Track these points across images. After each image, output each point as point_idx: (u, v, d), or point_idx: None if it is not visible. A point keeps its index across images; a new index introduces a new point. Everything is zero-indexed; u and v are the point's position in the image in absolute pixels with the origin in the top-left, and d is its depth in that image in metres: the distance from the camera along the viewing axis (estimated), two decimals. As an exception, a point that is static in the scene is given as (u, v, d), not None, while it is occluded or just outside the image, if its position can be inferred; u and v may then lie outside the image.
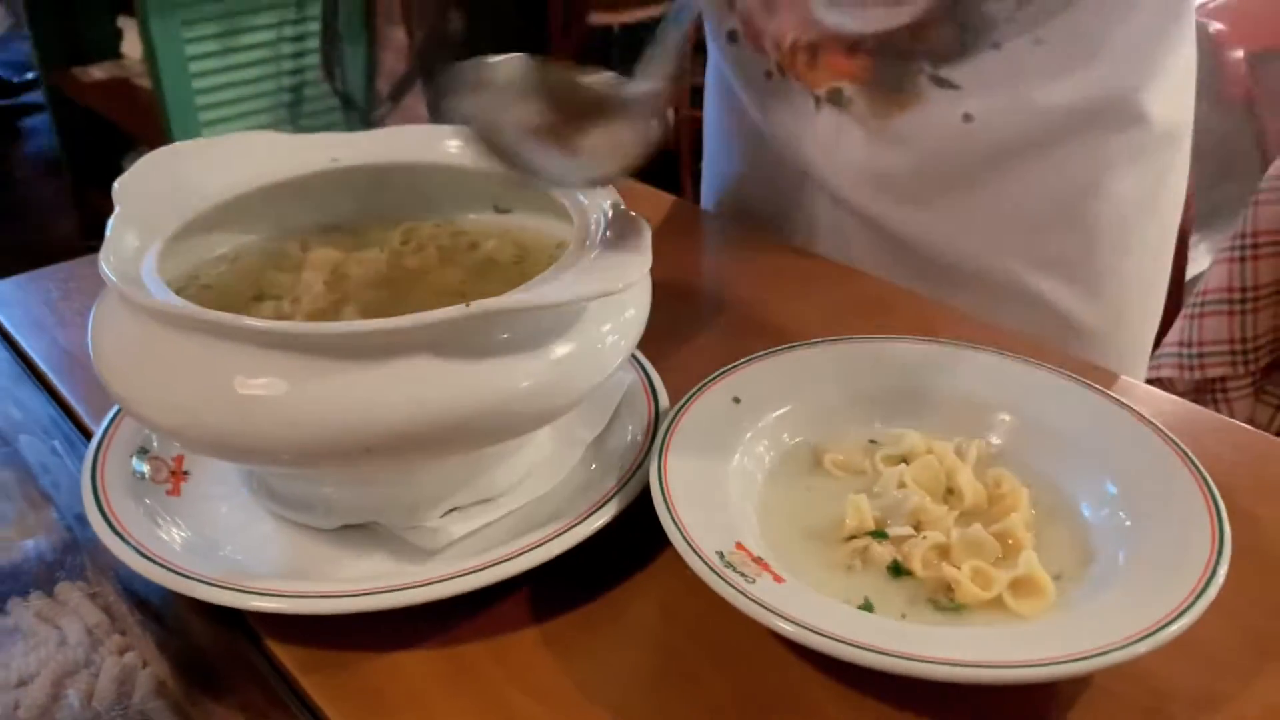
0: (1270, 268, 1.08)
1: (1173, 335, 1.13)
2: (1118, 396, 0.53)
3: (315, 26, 2.22)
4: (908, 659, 0.39)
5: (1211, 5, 1.23)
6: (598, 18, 2.13)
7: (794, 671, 0.44)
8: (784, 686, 0.44)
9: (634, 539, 0.49)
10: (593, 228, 0.48)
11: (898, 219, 0.77)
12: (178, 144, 0.56)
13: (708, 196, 0.92)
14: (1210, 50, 1.12)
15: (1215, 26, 1.13)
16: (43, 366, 0.65)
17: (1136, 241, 0.77)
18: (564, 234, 0.50)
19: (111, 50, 2.62)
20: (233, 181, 0.55)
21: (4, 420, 0.61)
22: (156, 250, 0.49)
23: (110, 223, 0.49)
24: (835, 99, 0.75)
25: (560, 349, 0.45)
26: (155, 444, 0.54)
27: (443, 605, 0.46)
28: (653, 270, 0.46)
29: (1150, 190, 0.75)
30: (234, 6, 2.12)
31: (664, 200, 0.85)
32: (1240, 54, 1.10)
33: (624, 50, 2.14)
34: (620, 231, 0.48)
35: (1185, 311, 1.13)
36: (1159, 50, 0.71)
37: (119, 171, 0.52)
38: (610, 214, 0.49)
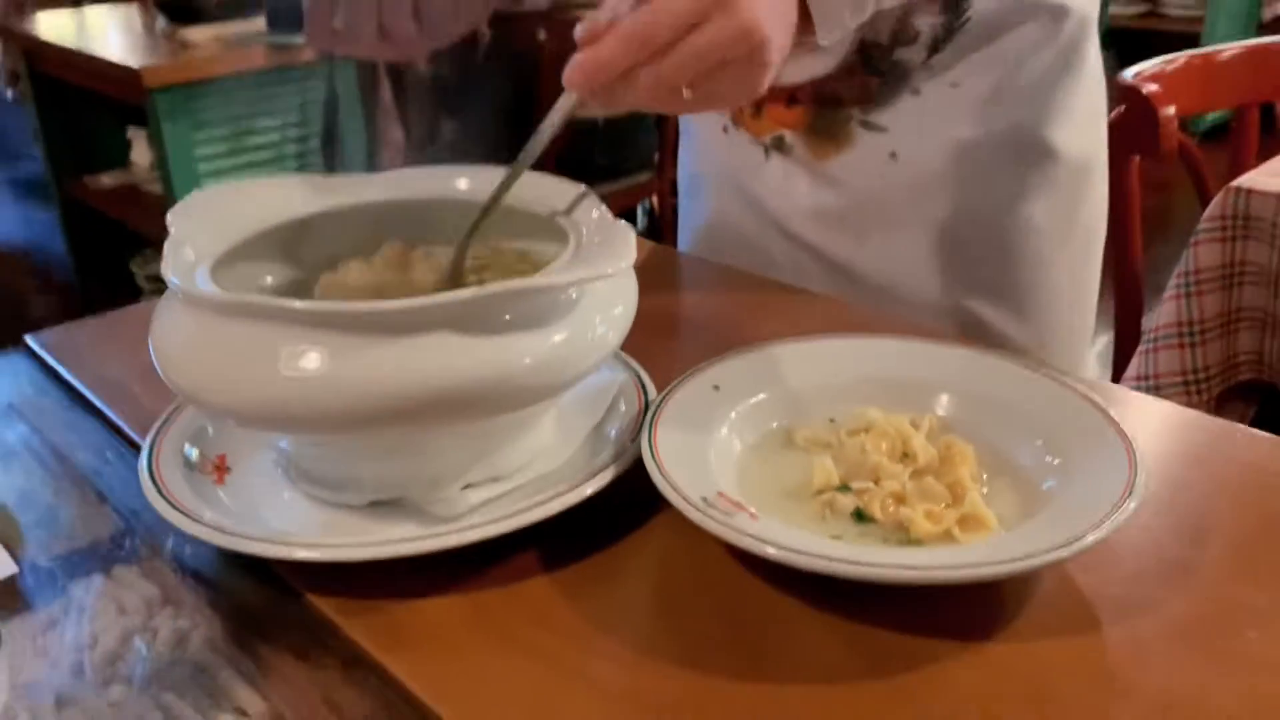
0: (1214, 301, 1.16)
1: (1131, 370, 1.21)
2: (1043, 368, 0.60)
3: (318, 128, 2.34)
4: (869, 565, 0.45)
5: (1147, 73, 1.34)
6: (583, 112, 2.25)
7: (773, 601, 0.50)
8: (764, 613, 0.50)
9: (632, 505, 0.56)
10: (584, 231, 0.56)
11: (841, 250, 0.85)
12: (222, 184, 0.64)
13: (683, 243, 1.01)
14: (1145, 109, 1.22)
15: (1149, 88, 1.24)
16: (90, 396, 0.72)
17: (1055, 263, 0.84)
18: (561, 249, 0.58)
19: (120, 160, 2.74)
20: (269, 214, 0.63)
21: (60, 440, 0.68)
22: (207, 266, 0.56)
23: (167, 243, 0.56)
24: (779, 145, 0.84)
25: (558, 334, 0.52)
26: (199, 446, 0.60)
27: (464, 560, 0.52)
28: (639, 298, 0.54)
29: (1064, 216, 0.83)
30: (240, 111, 2.24)
31: (644, 245, 0.94)
32: (1172, 110, 1.21)
33: (608, 143, 2.27)
34: (607, 233, 0.56)
35: (1141, 347, 1.21)
36: (1062, 91, 0.80)
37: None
38: (597, 220, 0.57)
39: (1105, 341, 1.30)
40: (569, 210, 0.60)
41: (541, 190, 0.63)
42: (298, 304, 0.49)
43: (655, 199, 2.49)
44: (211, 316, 0.51)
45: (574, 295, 0.53)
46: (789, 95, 0.82)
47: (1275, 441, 0.61)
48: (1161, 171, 1.05)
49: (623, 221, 0.57)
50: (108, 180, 2.69)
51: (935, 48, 0.77)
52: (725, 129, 0.88)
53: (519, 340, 0.51)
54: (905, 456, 0.57)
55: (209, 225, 0.60)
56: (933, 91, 0.78)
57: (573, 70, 0.52)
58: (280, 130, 2.31)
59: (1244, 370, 1.20)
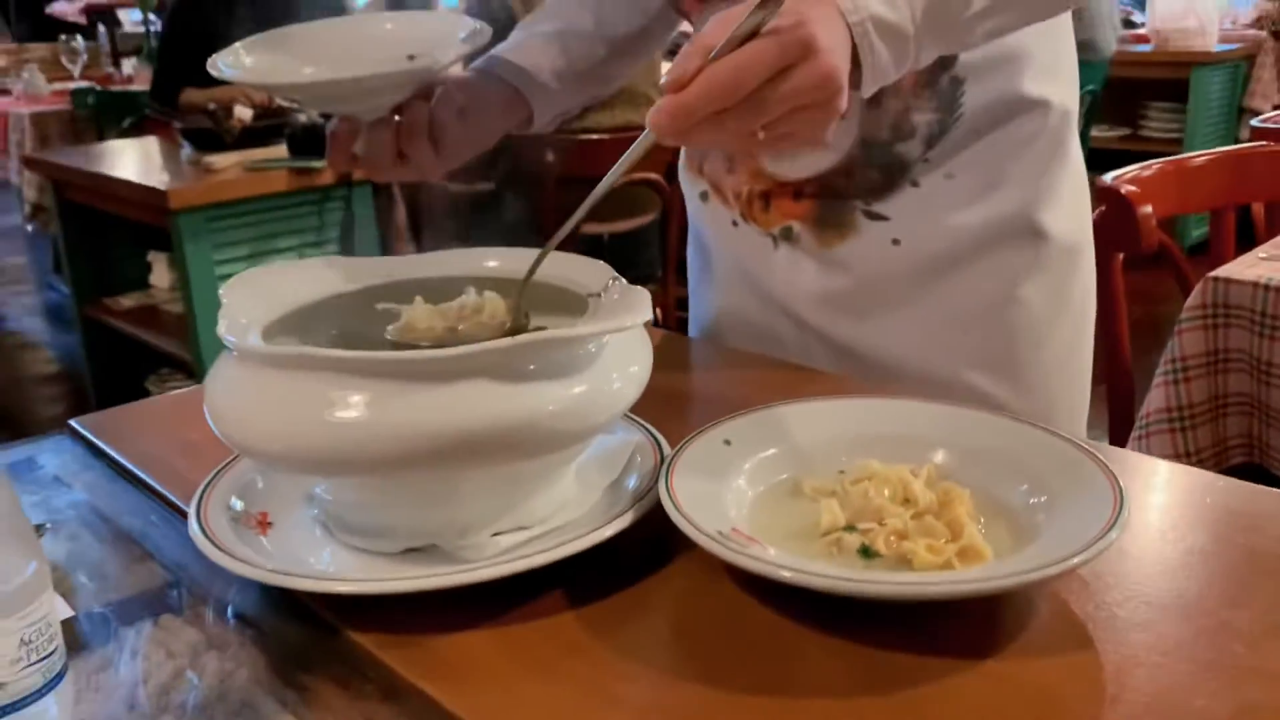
0: (1201, 387, 1.20)
1: (1126, 455, 1.24)
2: (1026, 420, 0.64)
3: (334, 248, 2.43)
4: (877, 583, 0.49)
5: (1126, 176, 1.42)
6: (589, 227, 2.35)
7: (785, 629, 0.53)
8: (778, 639, 0.53)
9: (651, 548, 0.60)
10: (602, 294, 0.61)
11: (847, 331, 0.90)
12: (269, 265, 0.70)
13: (693, 331, 1.06)
14: (1124, 207, 1.29)
15: (1127, 189, 1.32)
16: (134, 468, 0.76)
17: (1050, 339, 0.89)
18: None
19: (140, 283, 2.83)
20: (313, 290, 0.68)
21: (106, 506, 0.72)
22: (258, 330, 0.61)
23: (222, 310, 0.62)
24: (788, 236, 0.90)
25: (579, 386, 0.57)
26: (244, 501, 0.64)
27: (494, 598, 0.56)
28: (653, 375, 0.60)
29: (1056, 294, 0.89)
30: (260, 232, 2.34)
31: (657, 333, 0.99)
32: (1149, 209, 1.28)
33: (613, 257, 2.34)
34: (624, 295, 0.61)
35: (1134, 433, 1.25)
36: (1049, 178, 0.86)
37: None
38: (614, 286, 0.62)
39: (1098, 434, 1.34)
40: (589, 281, 0.65)
41: (564, 266, 0.68)
42: (344, 354, 0.54)
43: (659, 311, 2.56)
44: (263, 370, 0.56)
45: (594, 350, 0.58)
46: (796, 190, 0.88)
47: (1253, 488, 0.65)
48: (1152, 285, 1.11)
49: (638, 286, 0.62)
50: (127, 302, 2.78)
51: (931, 143, 0.83)
52: (735, 223, 0.94)
53: (544, 389, 0.55)
54: (906, 501, 0.61)
55: (258, 298, 0.65)
56: (930, 182, 0.84)
57: (659, 114, 0.57)
58: (298, 249, 2.40)
59: (1235, 454, 1.24)
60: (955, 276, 0.87)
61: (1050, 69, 0.85)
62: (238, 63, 0.81)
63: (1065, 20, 0.87)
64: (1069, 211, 0.88)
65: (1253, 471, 1.22)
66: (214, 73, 0.80)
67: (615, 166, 0.61)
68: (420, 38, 0.82)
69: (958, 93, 0.82)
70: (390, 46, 0.82)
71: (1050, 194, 0.86)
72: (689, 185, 1.00)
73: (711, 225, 0.98)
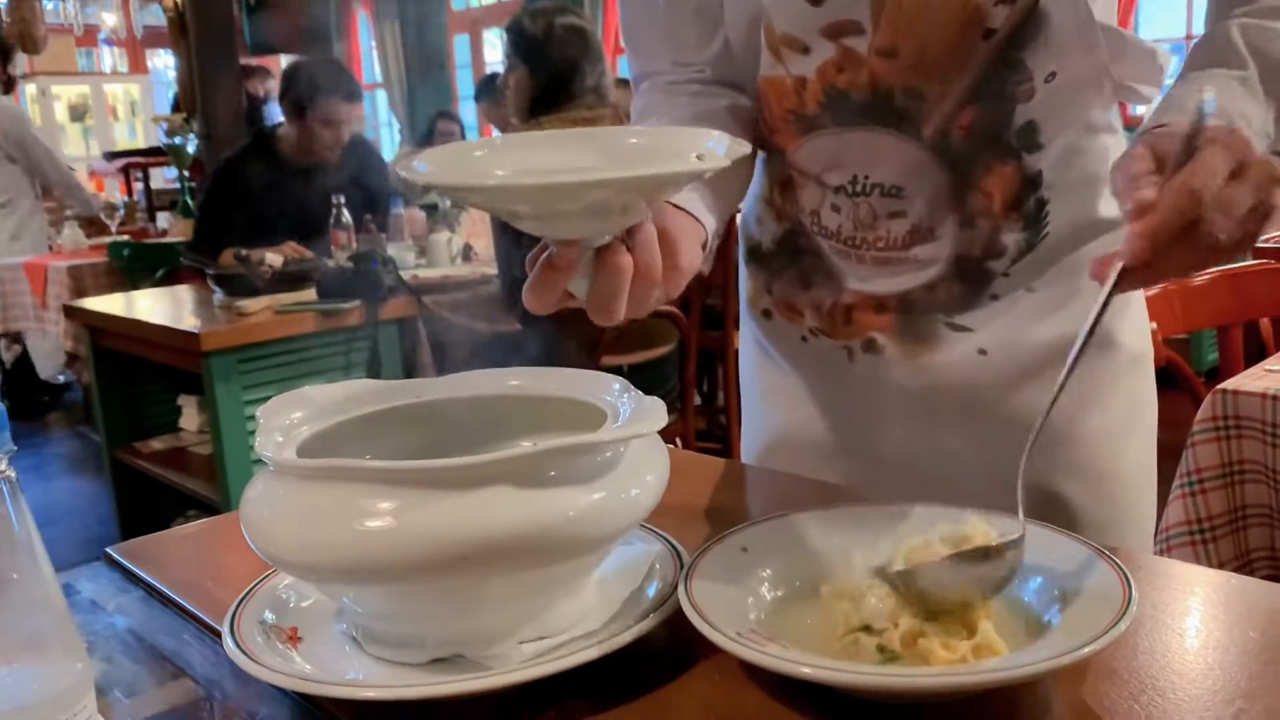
0: (1219, 499, 1.21)
1: (1149, 570, 1.24)
2: (1035, 521, 0.66)
3: (359, 386, 2.48)
4: (892, 676, 0.50)
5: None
6: (609, 359, 2.40)
7: (806, 728, 0.54)
8: (798, 738, 0.54)
9: (672, 656, 0.61)
10: (619, 405, 0.64)
11: (924, 439, 0.91)
12: (304, 388, 0.73)
13: (747, 455, 1.06)
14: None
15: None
16: (168, 591, 0.78)
17: (1126, 448, 0.91)
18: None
19: (170, 426, 2.89)
20: (343, 411, 0.71)
21: (140, 627, 0.74)
22: (293, 447, 0.64)
23: (259, 429, 0.65)
24: (870, 347, 0.92)
25: (597, 493, 0.59)
26: (275, 615, 0.66)
27: (520, 704, 0.57)
28: (672, 491, 0.62)
29: (1131, 403, 0.90)
30: (288, 373, 2.40)
31: (717, 464, 1.00)
32: (1155, 325, 1.31)
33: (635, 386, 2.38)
34: (640, 405, 0.64)
35: (1155, 548, 1.25)
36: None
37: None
38: (630, 398, 0.65)
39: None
40: (605, 395, 0.68)
41: (580, 382, 0.72)
42: (372, 464, 0.57)
43: (679, 440, 2.58)
44: (296, 483, 0.59)
45: (612, 457, 0.61)
46: (878, 303, 0.90)
47: (1266, 585, 0.66)
48: (1175, 408, 1.12)
49: (654, 398, 0.65)
50: (157, 444, 2.83)
51: (1017, 259, 0.86)
52: (805, 339, 0.96)
53: (565, 495, 0.58)
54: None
55: (292, 419, 0.68)
56: (1010, 296, 0.87)
57: (1134, 240, 0.62)
58: (325, 388, 2.45)
59: (1261, 566, 1.23)
60: (1039, 384, 0.88)
61: None
62: (444, 166, 0.65)
63: None
64: (1135, 323, 0.91)
65: (1278, 583, 1.21)
66: (409, 175, 0.63)
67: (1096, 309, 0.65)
68: (674, 149, 0.66)
69: (1043, 214, 0.85)
70: (639, 158, 0.66)
71: (1122, 306, 0.89)
72: (751, 307, 1.01)
73: (776, 342, 0.99)
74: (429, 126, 5.90)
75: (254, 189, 3.07)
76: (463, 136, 6.05)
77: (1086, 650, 0.51)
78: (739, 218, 1.04)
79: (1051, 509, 0.88)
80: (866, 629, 0.59)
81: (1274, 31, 0.74)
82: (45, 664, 0.46)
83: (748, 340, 1.04)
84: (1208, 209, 0.61)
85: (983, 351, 0.88)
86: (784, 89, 0.86)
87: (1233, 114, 0.70)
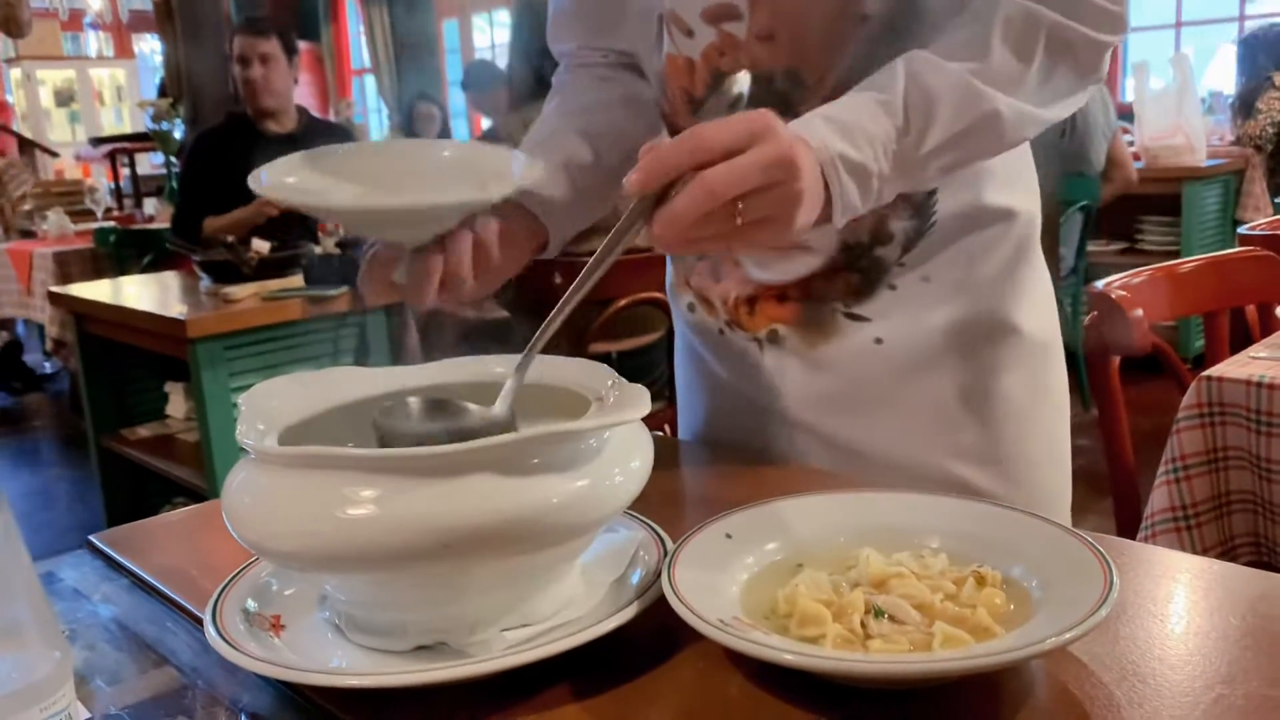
0: (1203, 485, 1.21)
1: (1134, 556, 1.25)
2: (1018, 508, 0.66)
3: (347, 373, 2.47)
4: (875, 663, 0.50)
5: (1117, 282, 1.46)
6: (597, 347, 2.39)
7: (786, 715, 0.54)
8: (780, 725, 0.54)
9: (655, 642, 0.61)
10: (603, 392, 0.64)
11: (835, 430, 0.93)
12: (284, 376, 0.73)
13: (684, 436, 1.08)
14: (1116, 311, 1.33)
15: (1118, 293, 1.35)
16: (150, 579, 0.78)
17: (1031, 429, 0.93)
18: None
19: (157, 413, 2.88)
20: (326, 399, 0.71)
21: (123, 615, 0.73)
22: (274, 435, 0.64)
23: (240, 417, 0.65)
24: (773, 338, 0.93)
25: (581, 480, 0.59)
26: (258, 602, 0.66)
27: (502, 693, 0.57)
28: (656, 477, 0.62)
29: (1033, 386, 0.92)
30: (275, 359, 2.39)
31: (661, 439, 1.01)
32: (1140, 311, 1.31)
33: (622, 374, 2.38)
34: (624, 392, 0.64)
35: (1140, 535, 1.26)
36: (1017, 280, 0.90)
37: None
38: (613, 385, 0.65)
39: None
40: (591, 383, 0.68)
41: (566, 370, 0.71)
42: (354, 452, 0.56)
43: (668, 428, 2.59)
44: (278, 471, 0.58)
45: (595, 444, 0.61)
46: (780, 293, 0.92)
47: (1247, 570, 0.66)
48: (1161, 395, 1.12)
49: (638, 385, 0.65)
50: (144, 431, 2.82)
51: (908, 247, 0.88)
52: (721, 331, 0.98)
53: (548, 482, 0.57)
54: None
55: (275, 406, 0.68)
56: (906, 285, 0.89)
57: (633, 173, 0.63)
58: (312, 375, 2.45)
59: (1244, 553, 1.24)
60: (936, 373, 0.90)
61: (1011, 181, 0.90)
62: (279, 181, 0.77)
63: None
64: (1039, 311, 0.92)
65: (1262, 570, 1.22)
66: (254, 186, 0.75)
67: (609, 237, 0.68)
68: (477, 168, 0.80)
69: (930, 201, 0.87)
70: (446, 175, 0.80)
71: (1022, 295, 0.91)
72: (676, 299, 1.04)
73: (699, 335, 1.02)
74: (408, 109, 5.90)
75: (231, 161, 3.06)
76: (443, 118, 6.07)
77: (1068, 636, 0.51)
78: None
79: (963, 492, 0.89)
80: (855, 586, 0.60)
81: (937, 65, 0.74)
82: (22, 652, 0.45)
83: (679, 333, 1.07)
84: (702, 167, 0.62)
85: (878, 341, 0.90)
86: (679, 68, 0.90)
87: (823, 116, 0.71)
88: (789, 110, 0.81)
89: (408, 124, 5.95)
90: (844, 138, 0.71)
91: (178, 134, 4.95)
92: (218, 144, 3.13)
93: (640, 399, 0.61)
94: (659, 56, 0.92)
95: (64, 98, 10.56)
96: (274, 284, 2.53)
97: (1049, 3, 0.75)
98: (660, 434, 0.86)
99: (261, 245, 2.62)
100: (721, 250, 0.78)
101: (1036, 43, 0.75)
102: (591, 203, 0.98)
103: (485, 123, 5.41)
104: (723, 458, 0.99)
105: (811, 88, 0.84)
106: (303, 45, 4.12)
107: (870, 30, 0.81)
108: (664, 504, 0.69)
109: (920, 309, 0.89)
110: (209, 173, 3.09)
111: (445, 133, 6.08)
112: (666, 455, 0.97)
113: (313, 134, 3.18)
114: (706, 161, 0.63)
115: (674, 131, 0.96)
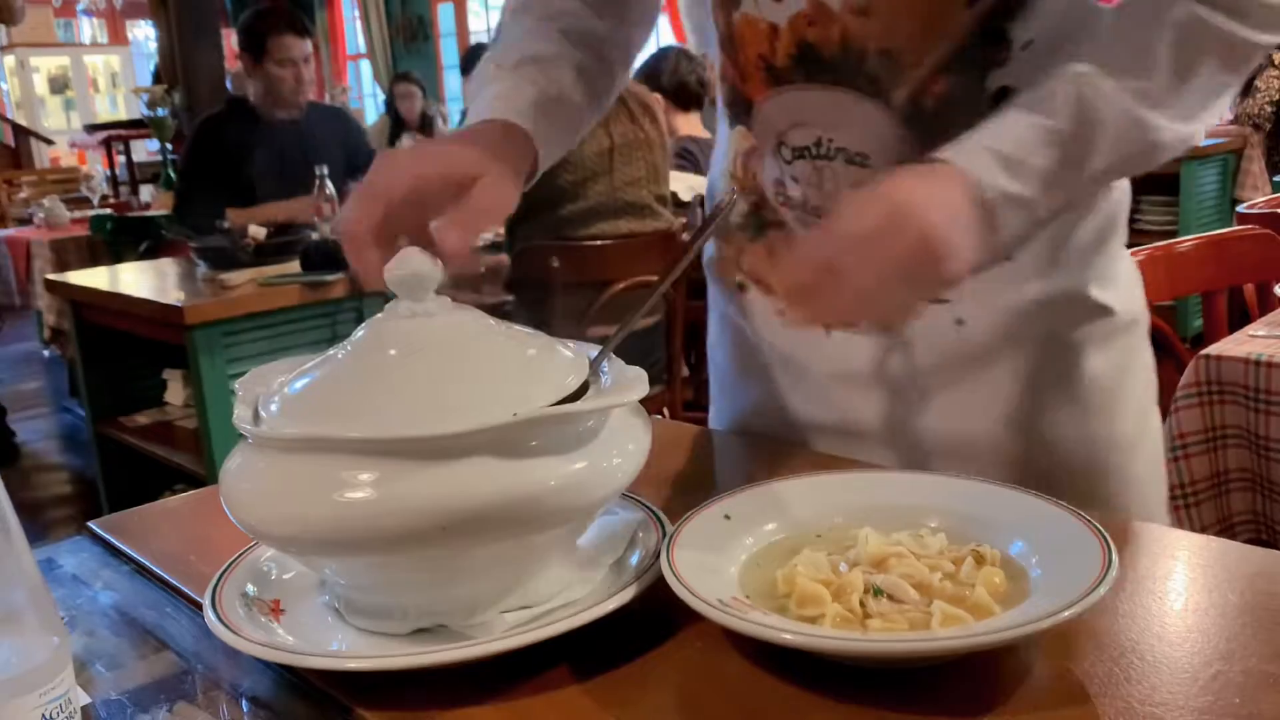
0: (1202, 464, 1.22)
1: (1132, 535, 1.25)
2: (1015, 486, 0.66)
3: (345, 358, 2.47)
4: (875, 642, 0.50)
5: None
6: (597, 330, 2.39)
7: (788, 694, 0.54)
8: (781, 705, 0.54)
9: (655, 622, 0.61)
10: (602, 376, 0.64)
11: (904, 414, 0.89)
12: (282, 360, 0.73)
13: (719, 424, 1.04)
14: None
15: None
16: (150, 565, 0.78)
17: (1120, 411, 0.89)
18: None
19: (155, 400, 2.88)
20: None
21: (123, 601, 0.73)
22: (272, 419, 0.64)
23: (237, 401, 0.64)
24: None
25: (579, 462, 0.59)
26: (258, 587, 0.66)
27: (502, 674, 0.57)
28: (655, 460, 0.63)
29: (1122, 364, 0.88)
30: (273, 345, 2.38)
31: (660, 422, 1.01)
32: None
33: (621, 359, 2.38)
34: (621, 375, 0.63)
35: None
36: (1103, 256, 0.86)
37: None
38: (612, 369, 0.65)
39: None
40: (590, 367, 0.68)
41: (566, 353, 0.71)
42: (351, 435, 0.56)
43: (667, 411, 2.59)
44: (275, 454, 0.58)
45: (594, 426, 0.60)
46: None
47: (1244, 547, 0.66)
48: (1163, 378, 1.11)
49: (636, 368, 0.65)
50: (142, 419, 2.82)
51: None
52: (782, 311, 0.92)
53: (546, 464, 0.57)
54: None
55: (271, 391, 0.68)
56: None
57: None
58: (310, 361, 2.45)
59: (1242, 530, 1.24)
60: (1020, 354, 0.86)
61: None
62: None
63: None
64: (1125, 289, 0.88)
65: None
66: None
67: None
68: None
69: None
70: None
71: (1106, 272, 0.87)
72: (721, 282, 0.99)
73: (752, 318, 0.97)
74: (388, 90, 5.92)
75: (233, 149, 3.07)
76: (423, 98, 6.05)
77: (1066, 614, 0.51)
78: (705, 187, 1.03)
79: (1042, 478, 0.87)
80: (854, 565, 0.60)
81: (1107, 94, 0.71)
82: (21, 638, 0.45)
83: (721, 318, 1.02)
84: (839, 253, 0.64)
85: (959, 322, 0.86)
86: (758, 32, 0.84)
87: (987, 148, 0.70)
88: (879, 94, 0.80)
89: (389, 105, 6.02)
90: (1008, 171, 0.69)
91: (173, 120, 4.93)
92: (221, 130, 3.13)
93: (638, 381, 0.61)
94: (722, 16, 0.86)
95: (58, 85, 10.51)
96: (271, 270, 2.52)
97: (1219, 3, 0.71)
98: (659, 417, 0.85)
99: (258, 231, 2.61)
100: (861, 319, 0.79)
101: (1205, 54, 0.72)
102: (567, 138, 0.91)
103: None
104: (723, 442, 0.99)
105: (906, 71, 0.79)
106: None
107: (979, 12, 0.76)
108: (662, 486, 0.70)
109: (1002, 288, 0.85)
110: (213, 159, 3.08)
111: (426, 113, 6.06)
112: (665, 438, 0.97)
113: (316, 119, 3.17)
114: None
115: (732, 98, 0.91)
